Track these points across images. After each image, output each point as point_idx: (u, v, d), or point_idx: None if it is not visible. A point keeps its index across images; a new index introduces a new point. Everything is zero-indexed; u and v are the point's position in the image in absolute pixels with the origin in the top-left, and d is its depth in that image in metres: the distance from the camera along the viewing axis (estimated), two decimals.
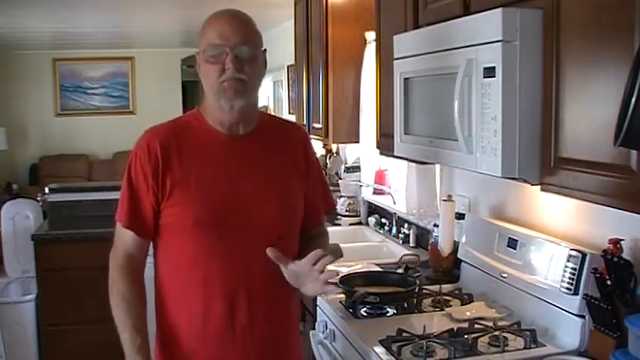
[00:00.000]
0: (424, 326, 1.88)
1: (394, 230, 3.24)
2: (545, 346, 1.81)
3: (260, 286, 1.65)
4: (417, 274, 2.55)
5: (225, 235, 1.63)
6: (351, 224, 3.64)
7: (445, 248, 2.52)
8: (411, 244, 3.04)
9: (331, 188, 4.26)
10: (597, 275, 1.64)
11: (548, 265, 1.89)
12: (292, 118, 4.48)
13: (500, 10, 1.61)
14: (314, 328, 2.35)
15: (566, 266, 1.81)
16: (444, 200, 2.54)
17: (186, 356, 1.66)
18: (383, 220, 3.44)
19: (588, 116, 1.45)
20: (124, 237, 1.68)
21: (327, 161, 4.19)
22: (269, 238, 1.64)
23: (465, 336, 1.84)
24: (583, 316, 1.76)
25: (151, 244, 1.72)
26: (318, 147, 4.34)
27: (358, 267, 2.61)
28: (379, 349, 1.83)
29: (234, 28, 1.62)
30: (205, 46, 1.62)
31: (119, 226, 1.69)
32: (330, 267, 2.77)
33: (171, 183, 1.61)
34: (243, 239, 1.63)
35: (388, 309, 2.16)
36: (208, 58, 1.61)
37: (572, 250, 1.81)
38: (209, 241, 1.62)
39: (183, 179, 1.62)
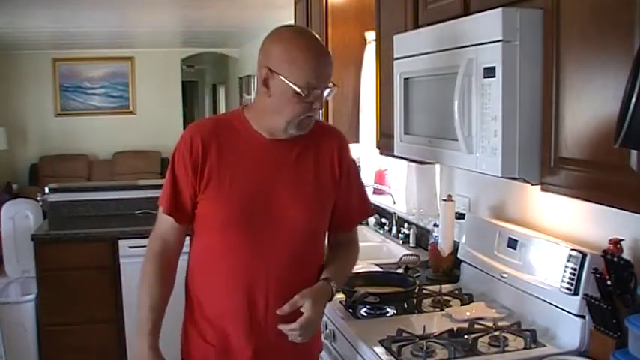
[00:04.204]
0: (424, 326, 1.88)
1: (394, 230, 3.24)
2: (545, 346, 1.81)
3: (279, 287, 1.70)
4: (417, 274, 2.56)
5: (250, 234, 1.69)
6: None
7: (445, 248, 2.52)
8: (411, 244, 3.04)
9: None
10: (597, 275, 1.64)
11: (549, 265, 1.89)
12: None
13: (500, 10, 1.61)
14: None
15: (566, 266, 1.81)
16: (444, 200, 2.54)
17: (214, 335, 1.74)
18: (383, 220, 3.44)
19: (588, 116, 1.45)
20: (164, 222, 1.75)
21: None
22: (293, 240, 1.72)
23: (465, 336, 1.84)
24: (583, 316, 1.76)
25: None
26: None
27: (358, 267, 2.61)
28: (379, 349, 1.83)
29: (327, 70, 1.68)
30: (297, 81, 1.60)
31: (160, 211, 1.76)
32: None
33: (207, 179, 1.68)
34: (267, 240, 1.70)
35: (388, 309, 2.16)
36: (302, 93, 1.61)
37: (572, 250, 1.81)
38: (234, 239, 1.70)
39: (219, 177, 1.68)
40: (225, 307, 1.73)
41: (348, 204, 1.84)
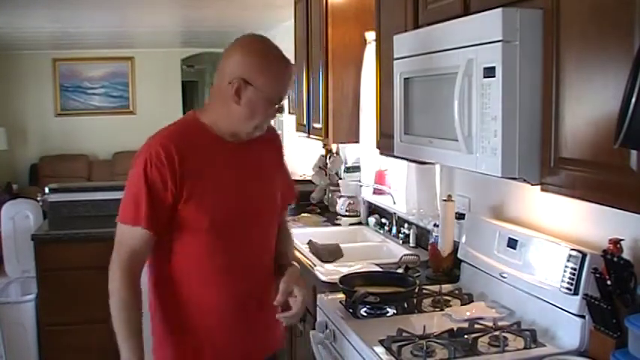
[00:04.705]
0: (424, 326, 1.88)
1: (394, 230, 3.24)
2: (545, 346, 1.81)
3: (265, 280, 1.84)
4: (417, 274, 2.56)
5: (238, 234, 1.77)
6: (351, 224, 3.63)
7: (445, 248, 2.52)
8: (411, 244, 3.03)
9: (331, 188, 4.27)
10: (597, 275, 1.64)
11: (548, 265, 1.89)
12: (292, 118, 4.48)
13: (500, 10, 1.61)
14: (314, 328, 2.35)
15: (566, 266, 1.81)
16: (444, 200, 2.54)
17: (197, 344, 1.78)
18: (383, 220, 3.43)
19: (588, 116, 1.45)
20: (134, 237, 1.70)
21: (327, 161, 4.19)
22: (268, 233, 1.88)
23: (465, 336, 1.84)
24: (583, 316, 1.76)
25: None
26: (318, 147, 4.34)
27: (358, 267, 2.61)
28: (379, 349, 1.83)
29: (292, 79, 1.87)
30: (270, 92, 1.71)
31: (127, 228, 1.71)
32: (330, 267, 2.80)
33: (189, 186, 1.69)
34: (251, 237, 1.80)
35: (388, 309, 2.16)
36: (271, 102, 1.73)
37: (572, 250, 1.81)
38: (223, 240, 1.75)
39: (201, 181, 1.71)
40: (219, 308, 1.76)
41: (283, 190, 1.97)
